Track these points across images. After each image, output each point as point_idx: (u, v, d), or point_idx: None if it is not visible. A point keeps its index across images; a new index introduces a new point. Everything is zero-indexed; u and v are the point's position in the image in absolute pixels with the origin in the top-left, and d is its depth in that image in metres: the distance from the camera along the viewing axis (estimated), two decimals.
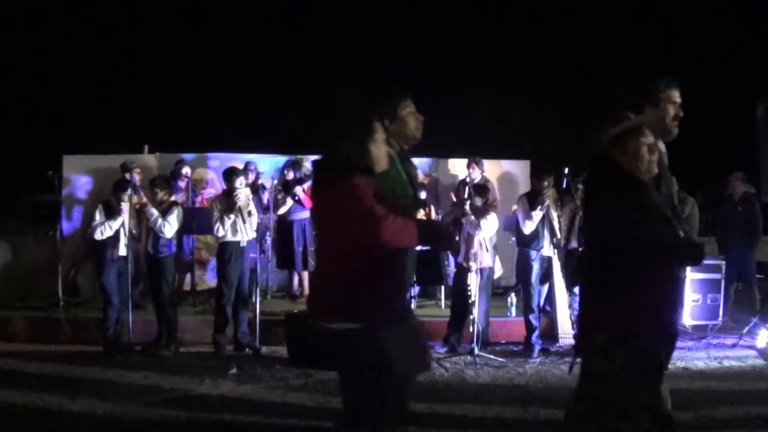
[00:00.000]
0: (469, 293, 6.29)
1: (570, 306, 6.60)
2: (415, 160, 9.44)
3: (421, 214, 7.76)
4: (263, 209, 7.38)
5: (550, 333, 6.82)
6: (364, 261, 2.63)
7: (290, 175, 8.12)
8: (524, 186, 8.55)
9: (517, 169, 9.30)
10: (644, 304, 2.77)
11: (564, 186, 7.07)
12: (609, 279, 2.84)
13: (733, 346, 6.58)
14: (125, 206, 6.26)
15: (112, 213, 6.21)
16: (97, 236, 6.18)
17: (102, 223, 6.16)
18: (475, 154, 7.87)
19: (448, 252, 6.67)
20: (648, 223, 2.81)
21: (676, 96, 3.22)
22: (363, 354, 2.62)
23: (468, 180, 7.56)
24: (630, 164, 2.88)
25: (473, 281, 6.27)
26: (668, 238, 2.88)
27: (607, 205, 2.85)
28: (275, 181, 8.10)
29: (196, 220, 7.03)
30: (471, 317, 6.25)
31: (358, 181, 2.65)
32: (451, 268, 7.11)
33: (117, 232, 6.20)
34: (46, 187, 9.01)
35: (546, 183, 6.44)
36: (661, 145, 3.16)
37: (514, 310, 7.26)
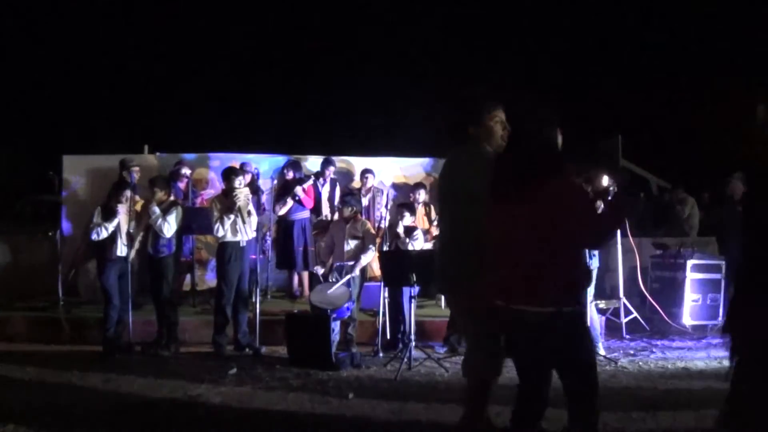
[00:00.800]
0: None
1: None
2: (415, 160, 9.48)
3: (421, 214, 7.86)
4: (261, 210, 7.36)
5: None
6: (571, 252, 2.88)
7: (290, 175, 8.12)
8: None
9: None
10: None
11: None
12: None
13: None
14: (122, 207, 6.26)
15: (109, 215, 6.21)
16: (93, 237, 6.19)
17: (99, 225, 6.16)
18: None
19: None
20: None
21: None
22: (584, 333, 2.97)
23: None
24: None
25: None
26: None
27: None
28: (275, 182, 8.10)
29: (196, 220, 7.02)
30: None
31: (573, 182, 2.85)
32: None
33: (114, 233, 6.21)
34: (46, 188, 9.01)
35: None
36: None
37: None
